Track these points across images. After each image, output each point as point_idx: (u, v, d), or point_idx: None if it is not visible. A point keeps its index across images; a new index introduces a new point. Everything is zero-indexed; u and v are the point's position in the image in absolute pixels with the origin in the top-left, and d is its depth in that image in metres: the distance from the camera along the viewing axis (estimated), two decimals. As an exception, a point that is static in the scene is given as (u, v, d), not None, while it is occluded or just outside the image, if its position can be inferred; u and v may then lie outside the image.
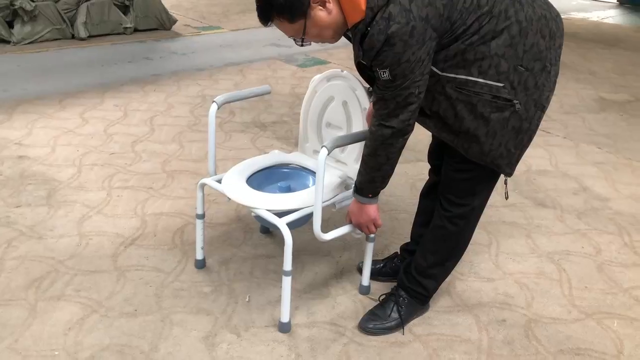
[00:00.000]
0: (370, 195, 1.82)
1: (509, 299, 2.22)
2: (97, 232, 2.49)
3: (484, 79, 1.59)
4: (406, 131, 1.66)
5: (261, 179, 2.13)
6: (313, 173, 2.18)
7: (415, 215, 2.24)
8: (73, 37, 5.63)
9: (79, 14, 5.59)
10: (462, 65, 1.59)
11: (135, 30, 6.01)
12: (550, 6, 1.69)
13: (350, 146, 2.12)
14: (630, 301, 2.24)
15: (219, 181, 2.09)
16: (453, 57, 1.59)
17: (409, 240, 2.30)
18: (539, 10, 1.63)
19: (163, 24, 6.18)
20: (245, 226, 2.60)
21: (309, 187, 2.12)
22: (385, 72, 1.54)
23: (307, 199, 1.96)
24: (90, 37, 5.65)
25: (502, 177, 1.85)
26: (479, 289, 2.27)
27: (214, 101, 2.08)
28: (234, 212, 2.71)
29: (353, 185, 1.87)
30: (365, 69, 1.67)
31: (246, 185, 2.03)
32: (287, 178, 2.18)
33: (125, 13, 5.94)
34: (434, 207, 2.02)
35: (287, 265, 1.88)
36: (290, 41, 6.28)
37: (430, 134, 1.92)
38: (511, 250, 2.54)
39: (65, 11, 5.55)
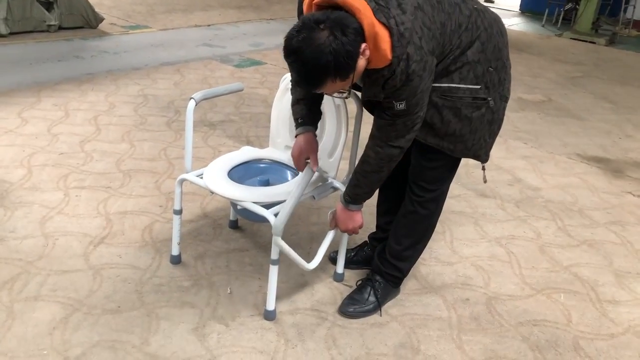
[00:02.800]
0: (362, 202, 1.96)
1: (468, 280, 2.42)
2: (62, 232, 2.44)
3: (465, 84, 1.78)
4: (408, 146, 1.80)
5: (240, 174, 2.19)
6: (288, 167, 2.27)
7: (378, 206, 2.38)
8: (-8, 33, 5.32)
9: (-2, 10, 5.30)
10: (445, 74, 1.77)
11: (60, 28, 5.76)
12: (490, 9, 1.91)
13: (324, 140, 2.22)
14: (571, 277, 2.52)
15: (197, 177, 2.14)
16: (439, 70, 1.76)
17: (373, 230, 2.45)
18: (490, 14, 1.87)
19: (89, 22, 5.98)
20: (213, 222, 2.64)
21: (288, 180, 2.21)
22: (401, 103, 1.66)
23: (290, 191, 2.04)
24: (11, 34, 5.36)
25: (473, 163, 2.04)
26: (441, 272, 2.46)
27: (191, 98, 2.12)
28: (200, 209, 2.73)
29: (343, 197, 1.95)
30: (369, 102, 1.78)
31: (229, 179, 2.09)
32: (265, 172, 2.26)
33: (48, 10, 5.69)
34: (395, 196, 2.20)
35: (275, 254, 1.96)
36: (223, 42, 6.31)
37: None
38: (463, 236, 2.76)
39: (-16, 6, 5.24)
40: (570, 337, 2.13)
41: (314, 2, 1.60)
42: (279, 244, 1.93)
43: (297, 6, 1.79)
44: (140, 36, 6.06)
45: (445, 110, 1.81)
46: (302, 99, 1.96)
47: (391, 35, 1.56)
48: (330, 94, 1.70)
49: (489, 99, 1.83)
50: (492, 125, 1.91)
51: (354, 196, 1.93)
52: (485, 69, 1.80)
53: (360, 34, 1.53)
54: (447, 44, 1.71)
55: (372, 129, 1.82)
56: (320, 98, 2.00)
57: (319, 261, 2.04)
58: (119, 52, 5.34)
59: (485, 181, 2.17)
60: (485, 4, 2.22)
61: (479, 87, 1.80)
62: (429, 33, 1.62)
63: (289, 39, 1.54)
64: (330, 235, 2.08)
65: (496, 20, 1.86)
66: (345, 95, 1.71)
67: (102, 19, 6.15)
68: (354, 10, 1.53)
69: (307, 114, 1.98)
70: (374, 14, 1.55)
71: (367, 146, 1.84)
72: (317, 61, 1.50)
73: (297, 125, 2.00)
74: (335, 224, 2.03)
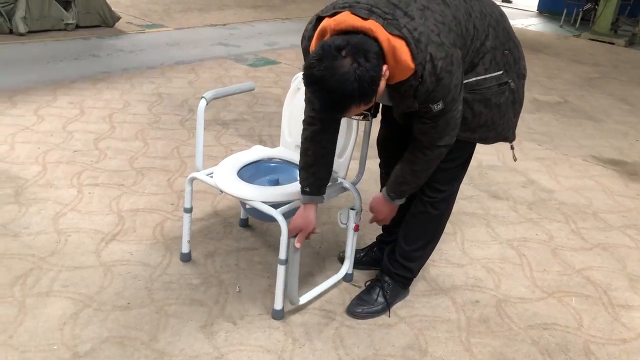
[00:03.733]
0: (405, 197, 1.98)
1: (479, 282, 2.41)
2: (75, 228, 2.47)
3: (489, 73, 1.78)
4: (453, 141, 1.79)
5: (250, 173, 2.20)
6: (298, 166, 2.27)
7: None
8: (11, 32, 5.40)
9: (17, 9, 5.37)
10: (470, 69, 1.76)
11: (77, 26, 5.83)
12: None
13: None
14: (583, 281, 2.49)
15: (208, 176, 2.15)
16: (466, 65, 1.75)
17: (380, 231, 2.44)
18: (488, 1, 1.86)
19: (106, 20, 6.04)
20: (223, 220, 2.65)
21: (296, 179, 2.20)
22: (438, 104, 1.64)
23: (299, 191, 2.05)
24: (30, 32, 5.44)
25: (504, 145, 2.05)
26: (451, 274, 2.44)
27: (202, 97, 2.13)
28: (211, 208, 2.75)
29: (387, 194, 1.95)
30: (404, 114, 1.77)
31: (238, 179, 2.10)
32: (275, 171, 2.26)
33: (66, 9, 5.76)
34: None
35: (283, 254, 1.96)
36: (239, 41, 6.32)
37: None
38: (474, 238, 2.74)
39: (3, 5, 5.32)
40: (581, 342, 2.11)
41: (328, 28, 1.57)
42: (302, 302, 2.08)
43: (302, 44, 1.74)
44: (156, 35, 6.11)
45: (475, 104, 1.81)
46: (310, 166, 1.92)
47: (408, 44, 1.54)
48: (351, 117, 1.72)
49: (510, 81, 1.84)
50: (515, 105, 1.91)
51: (400, 193, 1.94)
52: (502, 53, 1.80)
53: (381, 57, 1.51)
54: (466, 33, 1.69)
55: (414, 133, 1.79)
56: (330, 165, 1.97)
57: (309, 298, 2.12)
58: (135, 50, 5.39)
59: (515, 159, 2.25)
60: (502, 4, 2.21)
61: (501, 72, 1.80)
62: (444, 27, 1.61)
63: (310, 68, 1.49)
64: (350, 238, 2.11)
65: (494, 4, 1.87)
66: (365, 118, 1.72)
67: (118, 18, 6.21)
68: (367, 31, 1.51)
69: (314, 182, 1.93)
70: (386, 29, 1.53)
71: (412, 147, 1.82)
72: (342, 90, 1.47)
73: (304, 192, 1.94)
74: (376, 218, 2.06)
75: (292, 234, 1.95)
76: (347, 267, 2.30)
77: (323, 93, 1.51)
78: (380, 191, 2.02)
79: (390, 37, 1.53)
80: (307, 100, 1.83)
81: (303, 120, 1.89)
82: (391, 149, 2.21)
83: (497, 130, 1.90)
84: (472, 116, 1.83)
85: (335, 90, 1.48)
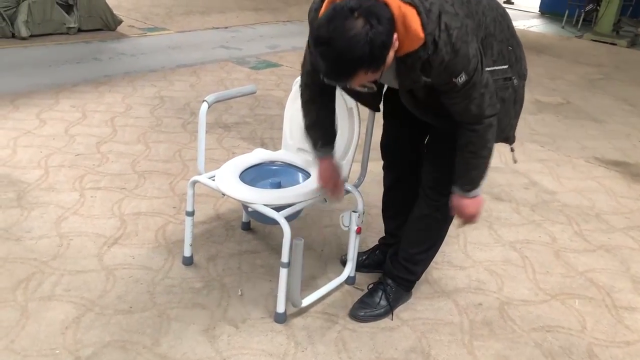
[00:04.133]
0: (481, 186, 1.88)
1: (481, 285, 2.40)
2: (77, 232, 2.47)
3: (497, 65, 1.76)
4: (497, 111, 1.72)
5: (252, 176, 2.20)
6: (300, 169, 2.27)
7: (384, 211, 2.37)
8: (13, 36, 5.41)
9: (19, 13, 5.39)
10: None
11: (79, 30, 5.84)
12: None
13: (336, 143, 2.21)
14: (586, 283, 2.48)
15: (210, 179, 2.15)
16: None
17: (383, 234, 2.44)
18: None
19: (108, 24, 6.05)
20: (226, 224, 2.65)
21: (299, 182, 2.21)
22: (461, 76, 1.58)
23: (301, 194, 2.05)
24: (32, 36, 5.45)
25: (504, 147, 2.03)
26: (454, 276, 2.44)
27: (204, 100, 2.13)
28: (213, 211, 2.75)
29: (462, 191, 1.85)
30: (410, 92, 1.74)
31: (240, 182, 2.10)
32: (277, 175, 2.26)
33: (68, 12, 5.77)
34: (399, 201, 2.20)
35: (286, 257, 1.96)
36: (240, 44, 6.32)
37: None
38: (477, 240, 2.73)
39: (5, 9, 5.33)
40: (585, 344, 2.10)
41: None
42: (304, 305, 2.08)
43: (309, 16, 1.71)
44: (158, 38, 6.12)
45: None
46: (315, 124, 1.94)
47: (419, 12, 1.50)
48: (356, 87, 1.60)
49: (514, 77, 1.82)
50: (516, 105, 1.89)
51: (472, 181, 1.83)
52: (506, 47, 1.79)
53: (392, 23, 1.46)
54: (475, 14, 1.67)
55: (455, 118, 1.73)
56: (333, 119, 1.97)
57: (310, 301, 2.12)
58: (137, 54, 5.40)
59: (515, 161, 2.20)
60: (505, 6, 2.18)
61: (507, 66, 1.79)
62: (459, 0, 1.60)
63: (319, 28, 1.44)
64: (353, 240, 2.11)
65: (498, 3, 1.85)
66: (372, 88, 1.62)
67: (120, 22, 6.22)
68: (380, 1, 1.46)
69: (323, 135, 1.96)
70: None
71: (460, 133, 1.75)
72: (351, 52, 1.40)
73: (317, 149, 1.97)
74: (465, 219, 1.93)
75: (327, 186, 1.99)
76: (349, 270, 2.29)
77: (331, 55, 1.43)
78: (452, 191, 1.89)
79: (401, 4, 1.48)
80: (310, 64, 1.79)
81: (300, 84, 1.89)
82: (394, 152, 2.21)
83: (500, 127, 1.83)
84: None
85: (344, 53, 1.41)
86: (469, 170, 1.83)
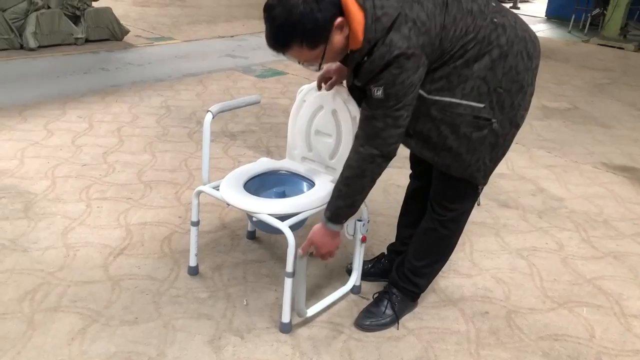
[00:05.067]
0: (342, 222, 1.85)
1: (488, 293, 2.38)
2: (83, 243, 2.48)
3: (466, 100, 1.71)
4: (392, 155, 1.71)
5: (257, 185, 2.20)
6: (305, 179, 2.27)
7: (400, 217, 2.36)
8: (22, 47, 5.47)
9: (27, 24, 5.44)
10: (447, 88, 1.71)
11: (87, 40, 5.89)
12: (529, 28, 1.81)
13: (340, 153, 2.22)
14: (594, 290, 2.45)
15: (214, 189, 2.15)
16: (439, 79, 1.70)
17: (391, 240, 2.43)
18: (520, 33, 1.75)
19: (115, 34, 6.10)
20: (231, 233, 2.65)
21: (303, 191, 2.20)
22: (379, 89, 1.60)
23: (305, 203, 2.05)
24: (40, 47, 5.50)
25: None
26: (460, 285, 2.42)
27: (209, 111, 2.14)
28: (218, 220, 2.75)
29: (324, 214, 1.84)
30: (356, 89, 1.75)
31: (244, 191, 2.10)
32: (281, 184, 2.26)
33: (76, 23, 5.83)
34: (418, 210, 2.16)
35: (290, 266, 1.96)
36: (246, 52, 6.34)
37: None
38: (484, 248, 2.72)
39: (13, 21, 5.39)
40: (593, 353, 2.08)
41: None
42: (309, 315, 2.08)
43: None
44: (165, 48, 6.16)
45: (442, 125, 1.75)
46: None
47: (365, 17, 1.54)
48: (301, 63, 1.67)
49: (493, 120, 1.74)
50: (495, 149, 1.82)
51: (334, 211, 1.81)
52: (492, 88, 1.71)
53: (336, 6, 1.54)
54: (448, 48, 1.65)
55: (357, 131, 1.75)
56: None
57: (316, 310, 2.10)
58: (144, 63, 5.43)
59: (478, 204, 2.07)
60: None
61: (482, 105, 1.72)
62: (422, 27, 1.57)
63: None
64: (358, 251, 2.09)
65: (524, 40, 1.74)
66: (313, 68, 1.69)
67: (127, 32, 6.27)
68: None
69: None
70: None
71: (350, 151, 1.77)
72: (284, 21, 1.53)
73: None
74: (318, 252, 1.89)
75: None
76: (354, 279, 2.29)
77: (269, 21, 1.56)
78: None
79: (352, 2, 1.55)
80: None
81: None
82: (422, 160, 2.16)
83: (462, 163, 1.81)
84: (437, 137, 1.77)
85: (277, 19, 1.54)
86: (336, 198, 1.80)
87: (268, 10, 1.56)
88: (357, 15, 1.55)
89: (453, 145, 1.78)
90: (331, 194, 1.84)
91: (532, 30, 1.82)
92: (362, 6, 1.55)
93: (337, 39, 1.59)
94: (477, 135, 1.76)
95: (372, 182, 1.77)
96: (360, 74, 1.64)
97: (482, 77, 1.70)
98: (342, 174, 1.79)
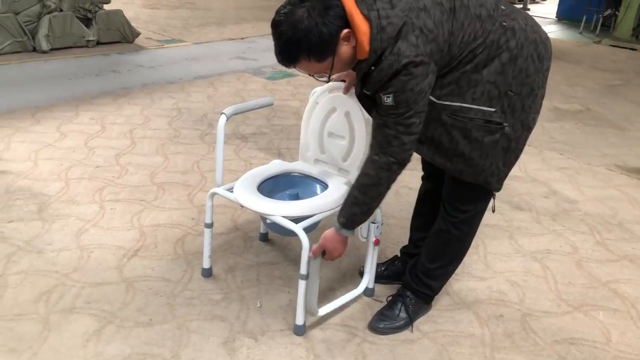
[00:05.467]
0: (355, 227, 1.86)
1: (502, 296, 2.37)
2: (97, 244, 2.49)
3: (477, 105, 1.70)
4: (407, 161, 1.72)
5: (270, 188, 2.20)
6: (318, 181, 2.27)
7: (413, 219, 2.35)
8: (34, 49, 5.50)
9: (40, 27, 5.48)
10: (457, 93, 1.70)
11: (98, 43, 5.92)
12: (540, 29, 1.80)
13: (353, 155, 2.21)
14: (610, 294, 2.43)
15: (228, 191, 2.15)
16: (448, 85, 1.70)
17: (404, 243, 2.42)
18: (530, 35, 1.74)
19: (126, 37, 6.13)
20: (244, 235, 2.65)
21: (317, 194, 2.20)
22: (389, 97, 1.60)
23: (319, 205, 2.04)
24: (52, 50, 5.54)
25: None
26: (474, 288, 2.41)
27: (222, 113, 2.14)
28: (231, 222, 2.75)
29: (338, 220, 1.83)
30: (365, 98, 1.74)
31: (258, 193, 2.10)
32: (294, 186, 2.26)
33: (87, 26, 5.86)
34: (430, 211, 2.15)
35: (304, 269, 1.95)
36: (256, 54, 6.33)
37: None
38: (497, 251, 2.70)
39: (26, 23, 5.43)
40: (610, 358, 2.06)
41: None
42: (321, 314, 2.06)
43: None
44: (175, 50, 6.18)
45: (454, 131, 1.75)
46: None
47: (370, 27, 1.55)
48: (311, 75, 1.69)
49: (505, 124, 1.74)
50: (508, 154, 1.81)
51: (349, 217, 1.81)
52: (503, 92, 1.70)
53: (342, 19, 1.55)
54: (456, 54, 1.65)
55: (370, 140, 1.76)
56: None
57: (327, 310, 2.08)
58: (155, 66, 5.46)
59: (493, 211, 2.05)
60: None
61: (493, 109, 1.71)
62: (430, 35, 1.57)
63: (277, 12, 1.58)
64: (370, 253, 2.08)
65: (534, 42, 1.73)
66: (322, 79, 1.70)
67: (138, 34, 6.30)
68: None
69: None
70: (356, 4, 1.55)
71: (365, 159, 1.78)
72: (290, 37, 1.55)
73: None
74: (321, 251, 1.89)
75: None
76: (366, 281, 2.28)
77: (276, 37, 1.59)
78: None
79: (356, 13, 1.55)
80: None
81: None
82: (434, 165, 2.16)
83: (475, 168, 1.80)
84: (449, 142, 1.77)
85: (284, 35, 1.56)
86: (353, 205, 1.80)
87: (275, 26, 1.59)
88: (362, 26, 1.56)
89: (465, 151, 1.78)
90: (345, 200, 1.84)
91: (543, 31, 1.81)
92: (367, 17, 1.55)
93: (345, 50, 1.60)
94: (489, 140, 1.76)
95: (388, 188, 1.77)
96: (368, 83, 1.65)
97: (492, 81, 1.69)
98: (357, 181, 1.79)
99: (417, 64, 1.56)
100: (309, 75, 1.69)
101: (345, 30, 1.56)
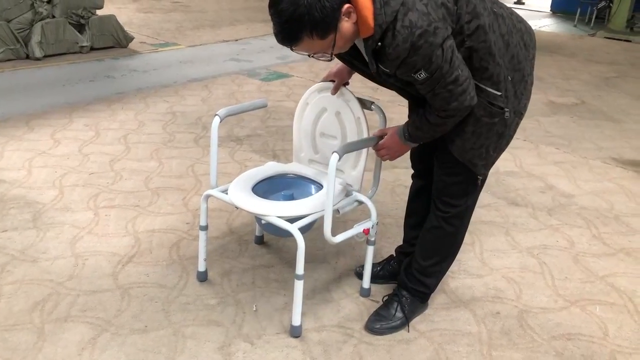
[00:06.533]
0: (418, 143, 1.92)
1: (499, 293, 2.36)
2: (92, 252, 2.48)
3: (484, 85, 1.72)
4: (472, 104, 1.70)
5: (265, 189, 2.19)
6: (312, 181, 2.26)
7: (406, 218, 2.34)
8: (27, 57, 5.49)
9: (33, 34, 5.47)
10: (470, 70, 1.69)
11: (92, 48, 5.92)
12: (523, 19, 1.85)
13: (346, 154, 2.20)
14: (607, 288, 2.43)
15: (223, 192, 2.15)
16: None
17: (400, 242, 2.41)
18: (517, 24, 1.79)
19: (119, 41, 6.12)
20: (239, 238, 2.65)
21: (311, 194, 2.20)
22: (421, 73, 1.59)
23: (314, 205, 2.04)
24: (45, 56, 5.53)
25: None
26: (471, 285, 2.40)
27: (216, 114, 2.13)
28: (226, 226, 2.75)
29: (402, 133, 1.87)
30: (383, 74, 1.71)
31: (253, 194, 2.09)
32: (289, 187, 2.25)
33: (80, 32, 5.85)
34: (423, 209, 2.15)
35: (300, 269, 1.95)
36: (250, 56, 6.32)
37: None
38: (494, 247, 2.69)
39: (19, 31, 5.41)
40: (607, 352, 2.05)
41: None
42: (336, 242, 1.98)
43: None
44: (169, 53, 6.17)
45: None
46: None
47: (373, 2, 1.53)
48: (312, 56, 1.66)
49: (506, 110, 1.76)
50: (501, 140, 1.84)
51: (414, 136, 1.86)
52: (505, 76, 1.74)
53: None
54: (461, 21, 1.63)
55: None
56: None
57: (341, 239, 2.01)
58: (149, 70, 5.45)
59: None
60: (515, 6, 2.14)
61: (499, 93, 1.73)
62: (437, 0, 1.57)
63: None
64: (352, 231, 2.07)
65: (520, 31, 1.78)
66: (325, 58, 1.67)
67: (132, 38, 6.29)
68: None
69: None
70: None
71: (430, 106, 1.74)
72: (291, 13, 1.51)
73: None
74: (382, 152, 1.97)
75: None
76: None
77: (277, 16, 1.55)
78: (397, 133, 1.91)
79: None
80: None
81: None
82: (422, 159, 2.16)
83: (464, 144, 1.81)
84: None
85: (285, 13, 1.52)
86: (418, 129, 1.81)
87: (274, 5, 1.55)
88: (364, 1, 1.54)
89: (461, 123, 1.77)
90: (413, 120, 1.83)
91: (526, 22, 1.85)
92: None
93: (346, 26, 1.58)
94: (487, 121, 1.78)
95: (454, 125, 1.76)
96: (386, 61, 1.61)
97: (499, 64, 1.71)
98: (426, 115, 1.75)
99: (432, 33, 1.54)
100: (309, 55, 1.67)
101: (347, 5, 1.55)
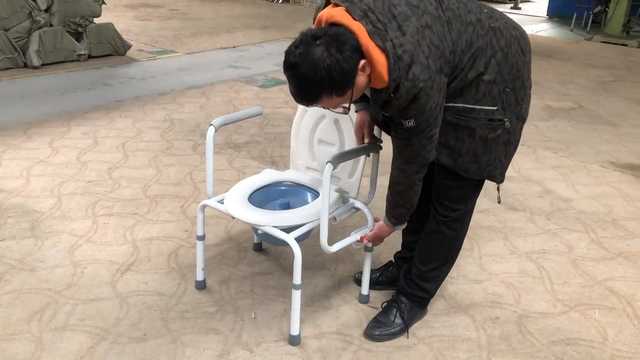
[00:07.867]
0: (405, 221, 2.01)
1: (498, 298, 2.36)
2: (90, 260, 2.48)
3: (480, 105, 1.75)
4: (430, 161, 1.79)
5: (261, 198, 2.19)
6: (309, 189, 2.26)
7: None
8: (25, 65, 5.50)
9: (31, 42, 5.47)
10: (460, 94, 1.75)
11: (90, 56, 5.92)
12: (517, 25, 1.88)
13: (343, 162, 2.21)
14: (605, 292, 2.43)
15: (219, 202, 2.15)
16: (453, 89, 1.74)
17: (398, 248, 2.41)
18: (512, 32, 1.82)
19: (117, 49, 6.13)
20: (237, 245, 2.64)
21: (308, 202, 2.20)
22: (410, 121, 1.65)
23: (310, 214, 2.04)
24: (43, 65, 5.53)
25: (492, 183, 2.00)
26: (470, 291, 2.40)
27: (211, 124, 2.14)
28: (225, 233, 2.74)
29: (388, 221, 1.97)
30: (384, 117, 1.78)
31: (249, 204, 2.09)
32: (285, 195, 2.25)
33: (78, 40, 5.86)
34: (423, 213, 2.15)
35: (297, 279, 1.95)
36: (248, 63, 6.32)
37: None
38: (492, 252, 2.69)
39: (17, 40, 5.42)
40: (607, 357, 2.05)
41: (322, 19, 1.65)
42: (332, 251, 2.01)
43: (313, 19, 1.82)
44: (167, 61, 6.18)
45: (459, 130, 1.79)
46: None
47: (387, 58, 1.56)
48: (329, 109, 1.71)
49: (505, 119, 1.80)
50: (508, 147, 1.88)
51: (398, 217, 1.94)
52: (502, 90, 1.76)
53: (358, 51, 1.56)
54: (459, 63, 1.69)
55: (393, 151, 1.81)
56: None
57: (338, 248, 2.04)
58: (146, 77, 5.45)
59: (499, 201, 2.19)
60: (511, 12, 2.17)
61: (495, 108, 1.77)
62: (437, 52, 1.61)
63: (287, 54, 1.58)
64: (349, 239, 2.09)
65: (517, 38, 1.82)
66: (345, 110, 1.70)
67: (129, 46, 6.29)
68: (351, 31, 1.56)
69: None
70: (370, 37, 1.56)
71: (392, 168, 1.85)
72: (312, 77, 1.53)
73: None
74: (377, 242, 2.10)
75: (360, 139, 2.04)
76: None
77: (295, 79, 1.57)
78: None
79: (372, 45, 1.56)
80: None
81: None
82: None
83: (480, 165, 1.86)
84: (454, 140, 1.82)
85: (304, 77, 1.54)
86: (396, 207, 1.91)
87: (292, 68, 1.57)
88: (379, 58, 1.57)
89: (470, 149, 1.82)
90: (388, 203, 1.94)
91: (520, 26, 1.88)
92: (383, 48, 1.56)
93: (361, 79, 1.62)
94: (492, 136, 1.81)
95: (421, 182, 1.84)
96: (389, 109, 1.67)
97: (492, 81, 1.75)
98: (393, 187, 1.88)
99: (432, 85, 1.61)
100: (327, 108, 1.71)
101: (362, 62, 1.58)
